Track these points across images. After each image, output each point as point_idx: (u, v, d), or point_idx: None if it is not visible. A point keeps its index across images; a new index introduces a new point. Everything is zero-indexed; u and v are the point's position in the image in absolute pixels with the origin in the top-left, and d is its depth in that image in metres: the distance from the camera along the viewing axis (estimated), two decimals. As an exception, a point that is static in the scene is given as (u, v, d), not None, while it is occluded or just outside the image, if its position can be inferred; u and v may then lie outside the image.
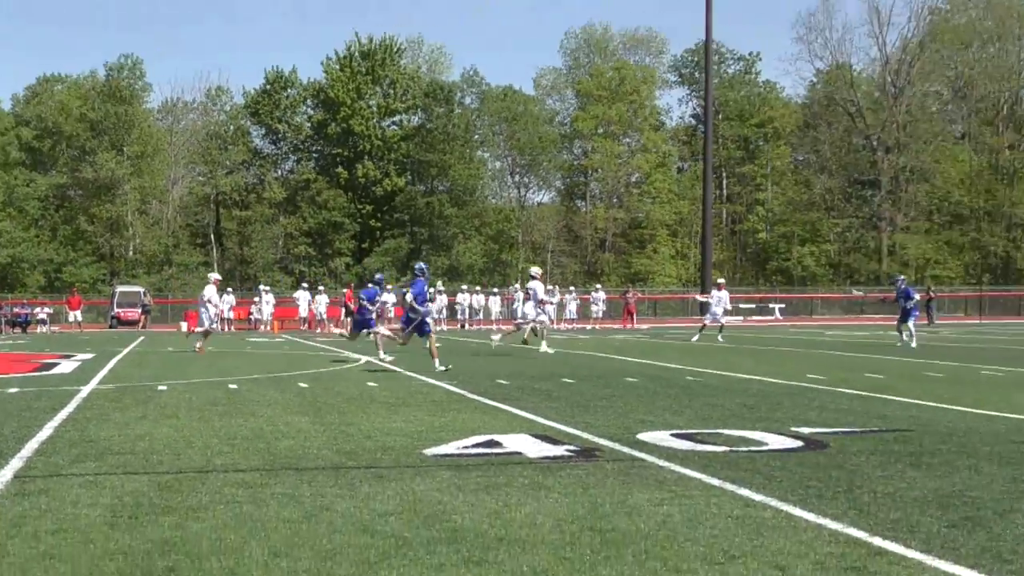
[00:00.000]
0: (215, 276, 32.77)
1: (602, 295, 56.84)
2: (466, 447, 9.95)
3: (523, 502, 7.24)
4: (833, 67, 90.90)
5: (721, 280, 39.88)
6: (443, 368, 19.90)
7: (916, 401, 14.07)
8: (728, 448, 9.78)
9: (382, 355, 22.32)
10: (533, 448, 9.82)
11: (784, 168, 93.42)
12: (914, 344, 29.32)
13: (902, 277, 35.37)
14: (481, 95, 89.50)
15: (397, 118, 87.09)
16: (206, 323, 30.40)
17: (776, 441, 10.22)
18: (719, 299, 36.29)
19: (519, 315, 33.28)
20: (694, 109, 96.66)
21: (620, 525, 6.52)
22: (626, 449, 9.75)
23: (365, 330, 24.80)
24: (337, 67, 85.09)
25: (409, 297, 21.56)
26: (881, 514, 6.77)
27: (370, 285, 26.65)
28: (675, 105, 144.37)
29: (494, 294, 56.99)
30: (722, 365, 21.94)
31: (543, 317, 28.98)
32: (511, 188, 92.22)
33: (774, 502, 7.17)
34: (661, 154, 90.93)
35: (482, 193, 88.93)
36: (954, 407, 13.26)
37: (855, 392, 15.42)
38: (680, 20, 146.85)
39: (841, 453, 9.42)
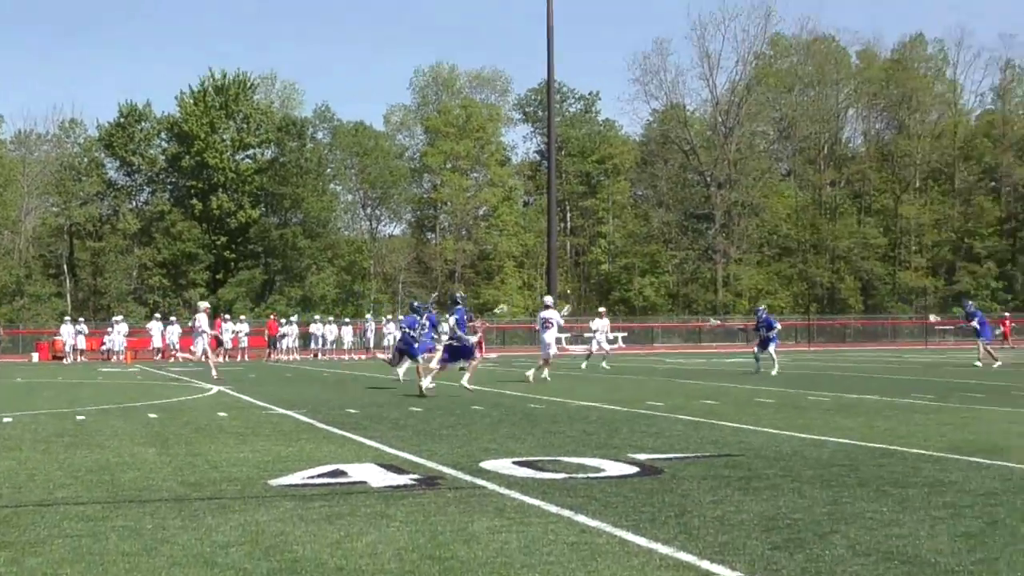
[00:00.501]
0: (205, 304, 32.89)
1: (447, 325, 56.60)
2: (311, 477, 9.76)
3: (365, 531, 7.10)
4: (668, 107, 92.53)
5: (602, 309, 40.44)
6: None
7: (747, 426, 14.26)
8: (567, 475, 9.76)
9: (425, 383, 22.01)
10: (378, 477, 9.68)
11: (624, 202, 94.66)
12: (775, 372, 29.49)
13: (763, 307, 35.93)
14: (333, 130, 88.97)
15: (251, 151, 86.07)
16: (198, 351, 30.77)
17: (613, 468, 10.24)
18: (600, 328, 36.68)
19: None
20: (538, 145, 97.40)
21: (459, 553, 6.42)
22: (468, 477, 9.66)
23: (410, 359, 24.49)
24: (191, 101, 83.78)
25: (452, 322, 22.32)
26: (709, 537, 6.80)
27: (411, 313, 25.79)
28: (520, 141, 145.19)
29: (346, 324, 56.59)
30: (564, 393, 22.02)
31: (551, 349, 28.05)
32: (363, 220, 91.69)
33: (609, 528, 7.15)
34: (507, 188, 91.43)
35: (335, 225, 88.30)
36: (783, 432, 13.47)
37: (690, 418, 15.58)
38: (524, 61, 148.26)
39: (674, 478, 9.46)
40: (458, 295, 23.69)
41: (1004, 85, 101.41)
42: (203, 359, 31.21)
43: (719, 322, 48.23)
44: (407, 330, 24.69)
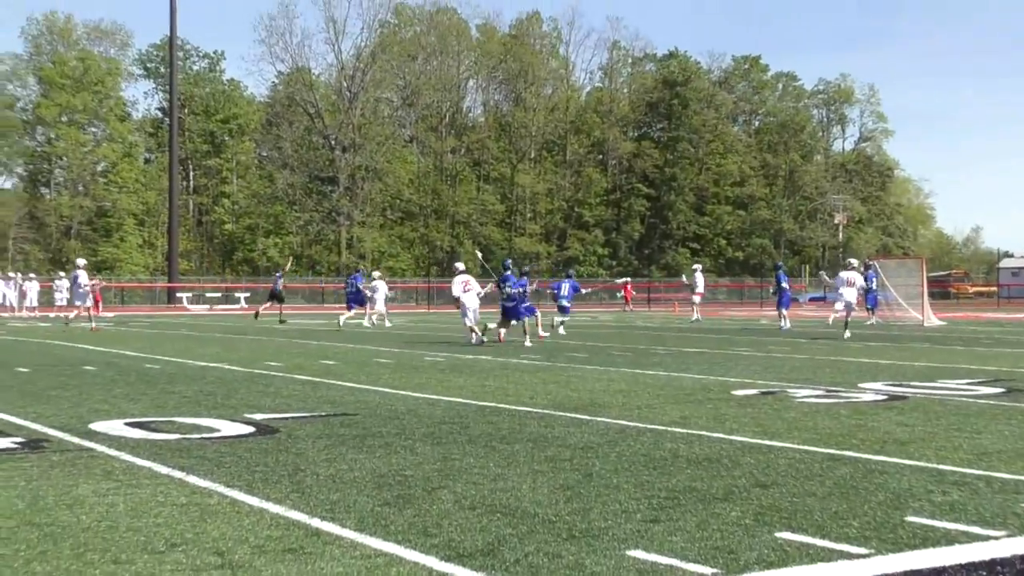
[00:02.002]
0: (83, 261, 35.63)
1: (66, 283, 54.10)
2: (-98, 443, 9.06)
3: (-41, 499, 6.65)
4: (293, 70, 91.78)
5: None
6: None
7: (364, 386, 14.34)
8: (180, 436, 9.50)
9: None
10: (-23, 441, 9.10)
11: (249, 163, 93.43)
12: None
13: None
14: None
15: None
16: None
17: (229, 428, 10.06)
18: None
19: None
20: (160, 102, 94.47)
21: (61, 518, 6.12)
22: (76, 439, 9.24)
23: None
24: None
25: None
26: (322, 496, 6.78)
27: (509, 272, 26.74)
28: (142, 98, 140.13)
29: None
30: (183, 352, 21.49)
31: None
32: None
33: (221, 488, 7.00)
34: (128, 144, 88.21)
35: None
36: (399, 391, 13.62)
37: (308, 378, 15.52)
38: (145, 15, 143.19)
39: (290, 438, 9.39)
40: (508, 262, 27.08)
41: (611, 64, 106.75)
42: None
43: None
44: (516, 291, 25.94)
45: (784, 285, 34.28)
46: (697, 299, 41.80)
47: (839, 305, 29.43)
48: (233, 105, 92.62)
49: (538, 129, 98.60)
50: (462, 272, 26.78)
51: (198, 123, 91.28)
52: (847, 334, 27.80)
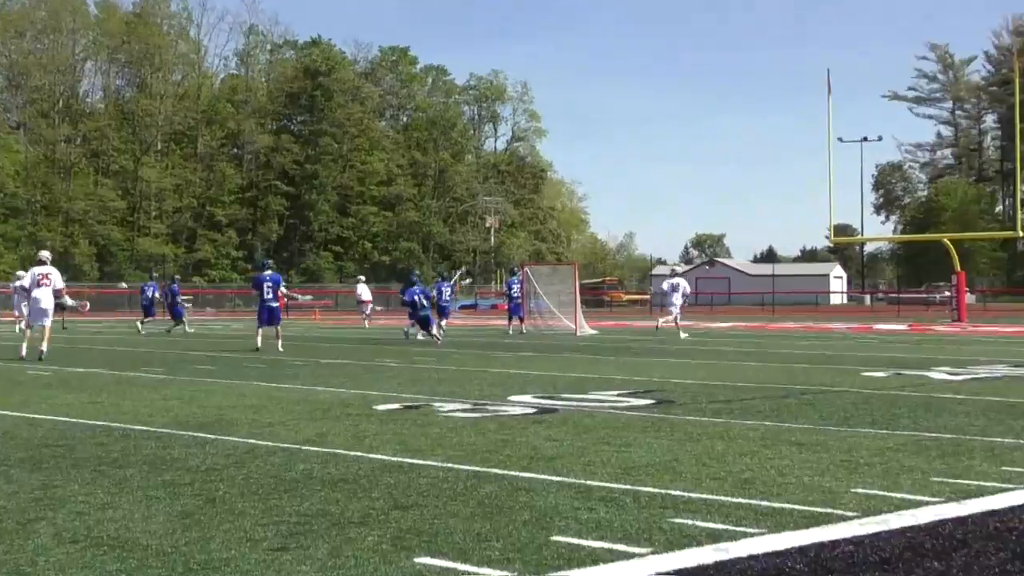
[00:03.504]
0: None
1: None
2: None
3: None
4: None
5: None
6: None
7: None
8: None
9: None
10: None
11: None
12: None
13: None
14: None
15: None
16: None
17: None
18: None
19: None
20: None
21: None
22: None
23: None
24: None
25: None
26: None
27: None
28: None
29: None
30: None
31: None
32: None
33: None
34: None
35: None
36: (-5, 410, 12.96)
37: None
38: None
39: None
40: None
41: (247, 50, 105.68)
42: None
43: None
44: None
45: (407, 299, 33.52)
46: (367, 309, 45.06)
47: (672, 313, 34.07)
48: None
49: (165, 118, 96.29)
50: (42, 263, 23.50)
51: None
52: (683, 335, 32.43)
